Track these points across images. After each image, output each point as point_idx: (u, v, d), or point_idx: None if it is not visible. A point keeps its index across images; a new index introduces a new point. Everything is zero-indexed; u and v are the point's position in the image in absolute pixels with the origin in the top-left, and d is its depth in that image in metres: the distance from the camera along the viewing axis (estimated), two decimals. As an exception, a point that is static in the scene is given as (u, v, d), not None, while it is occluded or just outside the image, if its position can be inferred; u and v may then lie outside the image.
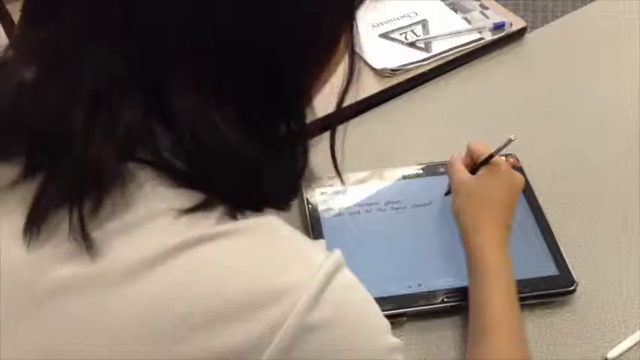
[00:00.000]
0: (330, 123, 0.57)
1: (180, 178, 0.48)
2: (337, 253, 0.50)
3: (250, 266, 0.47)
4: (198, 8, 0.45)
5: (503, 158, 0.84)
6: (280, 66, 0.49)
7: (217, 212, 0.48)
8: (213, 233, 0.47)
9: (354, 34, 0.54)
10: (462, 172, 0.82)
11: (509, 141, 0.80)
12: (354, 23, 0.53)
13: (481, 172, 0.81)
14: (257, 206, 0.51)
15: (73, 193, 0.46)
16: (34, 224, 0.47)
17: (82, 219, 0.45)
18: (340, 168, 0.60)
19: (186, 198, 0.48)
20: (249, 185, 0.51)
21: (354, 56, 0.54)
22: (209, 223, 0.48)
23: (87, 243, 0.45)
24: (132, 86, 0.46)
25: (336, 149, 0.59)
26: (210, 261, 0.47)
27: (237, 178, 0.50)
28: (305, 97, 0.53)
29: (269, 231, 0.50)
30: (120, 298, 0.46)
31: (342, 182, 0.66)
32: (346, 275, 0.50)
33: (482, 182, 0.80)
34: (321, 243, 0.52)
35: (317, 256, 0.49)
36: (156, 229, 0.47)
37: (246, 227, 0.49)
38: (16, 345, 0.47)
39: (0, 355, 0.47)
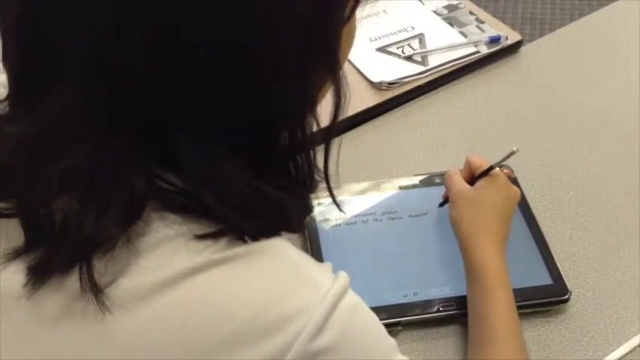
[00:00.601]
0: (326, 139, 0.55)
1: (193, 214, 0.48)
2: (343, 276, 0.50)
3: (258, 292, 0.47)
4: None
5: (498, 169, 0.85)
6: (289, 85, 0.48)
7: (227, 236, 0.48)
8: (222, 258, 0.47)
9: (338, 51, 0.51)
10: (460, 184, 0.83)
11: (512, 153, 0.81)
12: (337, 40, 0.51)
13: (479, 183, 0.82)
14: (273, 234, 0.51)
15: (78, 259, 0.45)
16: (35, 284, 0.46)
17: (91, 276, 0.45)
18: (337, 179, 0.59)
19: (197, 226, 0.48)
20: (272, 224, 0.51)
21: (339, 79, 0.52)
22: (219, 247, 0.48)
23: (98, 297, 0.45)
24: (132, 159, 0.46)
25: (330, 163, 0.57)
26: (218, 287, 0.47)
27: (257, 219, 0.50)
28: (311, 112, 0.52)
29: (276, 255, 0.50)
30: (125, 325, 0.46)
31: (339, 208, 0.64)
32: (352, 298, 0.50)
33: (480, 193, 0.81)
34: (327, 266, 0.53)
35: (324, 280, 0.49)
36: (165, 254, 0.47)
37: (253, 251, 0.49)
38: None
39: None
